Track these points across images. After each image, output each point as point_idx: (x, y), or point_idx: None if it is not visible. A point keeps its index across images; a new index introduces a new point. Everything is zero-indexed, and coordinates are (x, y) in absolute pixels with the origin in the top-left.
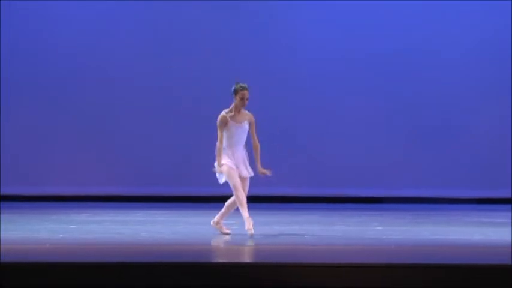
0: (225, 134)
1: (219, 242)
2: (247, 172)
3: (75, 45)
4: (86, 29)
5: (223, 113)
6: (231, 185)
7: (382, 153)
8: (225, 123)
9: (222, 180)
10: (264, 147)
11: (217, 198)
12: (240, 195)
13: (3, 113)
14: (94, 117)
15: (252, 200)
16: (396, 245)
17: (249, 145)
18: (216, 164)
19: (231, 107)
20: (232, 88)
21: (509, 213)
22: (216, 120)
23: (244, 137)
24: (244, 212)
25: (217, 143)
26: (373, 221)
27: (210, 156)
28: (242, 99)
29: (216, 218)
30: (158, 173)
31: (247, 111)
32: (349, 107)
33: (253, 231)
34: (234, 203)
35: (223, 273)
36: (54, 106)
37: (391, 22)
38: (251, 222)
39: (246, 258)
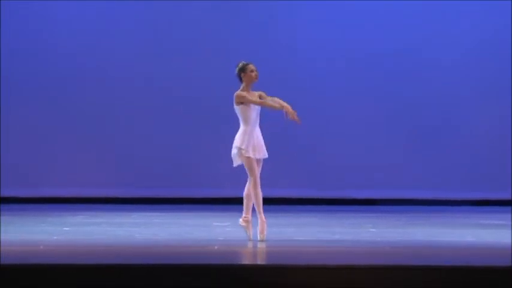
0: (241, 116)
1: (214, 243)
2: (264, 154)
3: (75, 45)
4: (86, 29)
5: (239, 91)
6: (252, 181)
7: (379, 155)
8: (245, 96)
9: (236, 163)
10: None
11: (213, 200)
12: (259, 193)
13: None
14: (90, 119)
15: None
16: (391, 246)
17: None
18: (237, 145)
19: (241, 88)
20: (238, 68)
21: (509, 215)
22: (233, 101)
23: (259, 116)
24: (260, 212)
25: (258, 102)
26: (368, 222)
27: (205, 158)
28: (253, 71)
29: (244, 215)
30: (154, 175)
31: (254, 91)
32: (347, 107)
33: (264, 236)
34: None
35: (219, 275)
36: (51, 108)
37: (391, 22)
38: (265, 226)
39: (242, 260)
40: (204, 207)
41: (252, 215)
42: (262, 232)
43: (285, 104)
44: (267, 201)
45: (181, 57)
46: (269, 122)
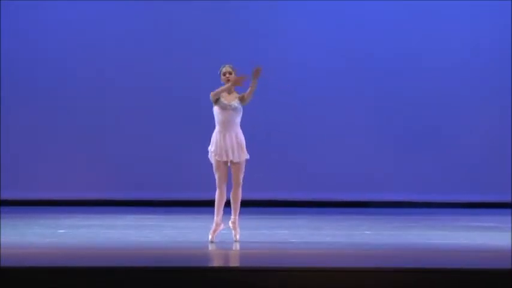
0: (215, 117)
1: (206, 246)
2: (234, 156)
3: (72, 48)
4: (84, 30)
5: None
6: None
7: (373, 157)
8: (213, 91)
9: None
10: (253, 150)
11: (204, 203)
12: (218, 196)
13: None
14: (83, 122)
15: (240, 204)
16: (384, 249)
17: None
18: (209, 147)
19: None
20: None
21: (509, 218)
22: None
23: (235, 119)
24: (217, 214)
25: (226, 87)
26: (362, 224)
27: (198, 161)
28: (224, 74)
29: (232, 217)
30: (148, 177)
31: (238, 93)
32: (341, 109)
33: (214, 238)
34: (235, 192)
35: (211, 277)
36: (45, 111)
37: (388, 24)
38: (218, 229)
39: (234, 263)
40: (199, 209)
41: (241, 217)
42: (213, 233)
43: (252, 71)
44: (256, 204)
45: (181, 57)
46: (259, 125)
